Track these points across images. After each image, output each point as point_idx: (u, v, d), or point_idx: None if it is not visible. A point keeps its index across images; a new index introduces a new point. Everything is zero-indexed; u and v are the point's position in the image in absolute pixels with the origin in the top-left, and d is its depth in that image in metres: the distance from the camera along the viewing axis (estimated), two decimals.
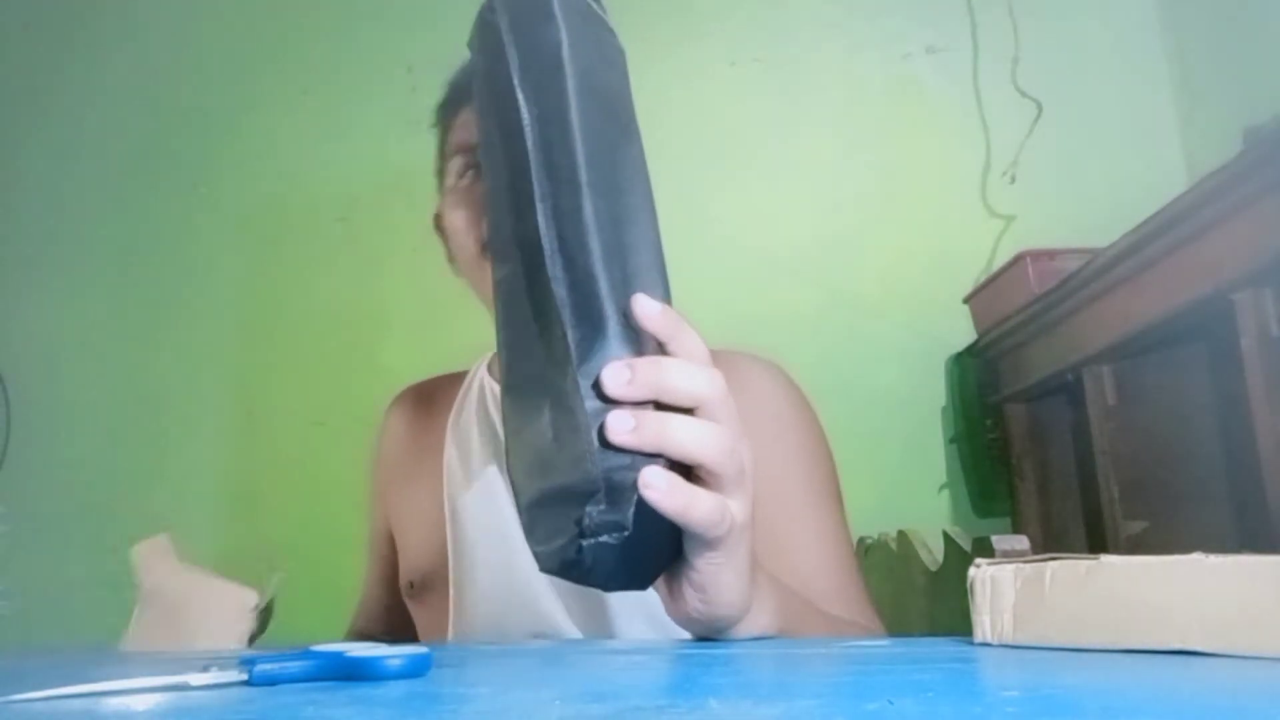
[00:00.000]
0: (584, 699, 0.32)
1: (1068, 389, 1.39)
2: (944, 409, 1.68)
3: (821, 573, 0.71)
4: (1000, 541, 0.76)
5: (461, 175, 0.82)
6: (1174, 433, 1.22)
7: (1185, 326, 1.14)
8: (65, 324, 1.81)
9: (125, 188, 1.85)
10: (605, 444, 0.44)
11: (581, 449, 0.45)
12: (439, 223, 0.91)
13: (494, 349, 0.91)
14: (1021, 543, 0.76)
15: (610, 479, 0.44)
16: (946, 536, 0.89)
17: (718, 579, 0.48)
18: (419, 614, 0.89)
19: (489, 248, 0.53)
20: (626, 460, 0.44)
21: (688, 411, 0.46)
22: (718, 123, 1.74)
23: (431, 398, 0.96)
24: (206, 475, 1.72)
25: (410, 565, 0.89)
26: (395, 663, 0.36)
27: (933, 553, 0.96)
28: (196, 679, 0.35)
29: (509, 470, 0.50)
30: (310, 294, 1.78)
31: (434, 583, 0.85)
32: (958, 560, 0.86)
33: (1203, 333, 1.13)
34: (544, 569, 0.47)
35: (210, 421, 1.75)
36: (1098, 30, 1.75)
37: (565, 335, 0.46)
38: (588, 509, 0.44)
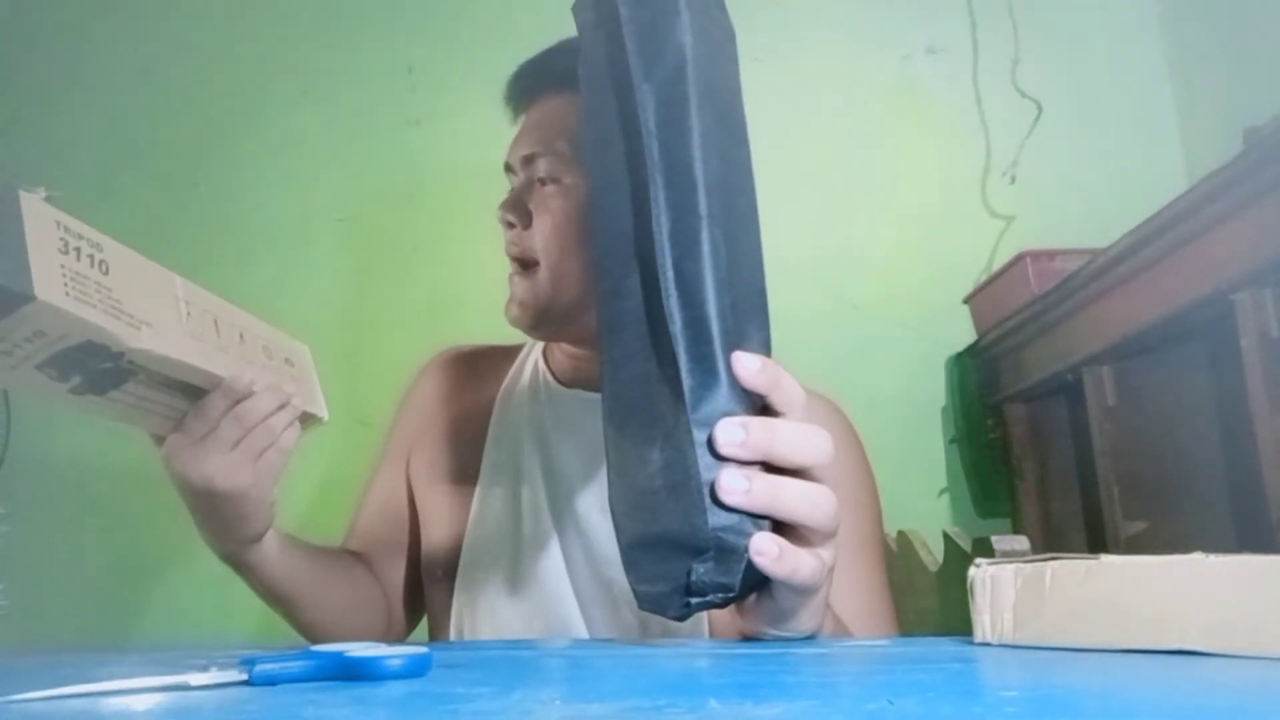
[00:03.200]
0: (584, 699, 0.32)
1: (1068, 389, 1.39)
2: (944, 409, 1.68)
3: (856, 621, 0.72)
4: (1000, 542, 0.76)
5: (508, 192, 0.82)
6: (1174, 433, 1.21)
7: (1185, 326, 1.14)
8: None
9: (125, 187, 1.84)
10: (715, 500, 0.45)
11: (693, 504, 0.46)
12: None
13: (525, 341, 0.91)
14: (1021, 543, 0.76)
15: (721, 540, 0.45)
16: (946, 537, 0.89)
17: (799, 616, 0.50)
18: (438, 599, 0.86)
19: (595, 245, 0.52)
20: (735, 520, 0.46)
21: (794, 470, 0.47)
22: None
23: (475, 367, 0.94)
24: None
25: (441, 550, 0.86)
26: (395, 663, 0.36)
27: (933, 553, 0.96)
28: (196, 679, 0.35)
29: (610, 502, 0.51)
30: (310, 294, 1.78)
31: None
32: (958, 560, 0.86)
33: (1203, 333, 1.13)
34: (643, 608, 0.49)
35: None
36: (1098, 30, 1.75)
37: (680, 379, 0.46)
38: (696, 566, 0.46)
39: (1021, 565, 0.44)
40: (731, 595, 0.47)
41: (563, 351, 0.86)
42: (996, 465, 1.59)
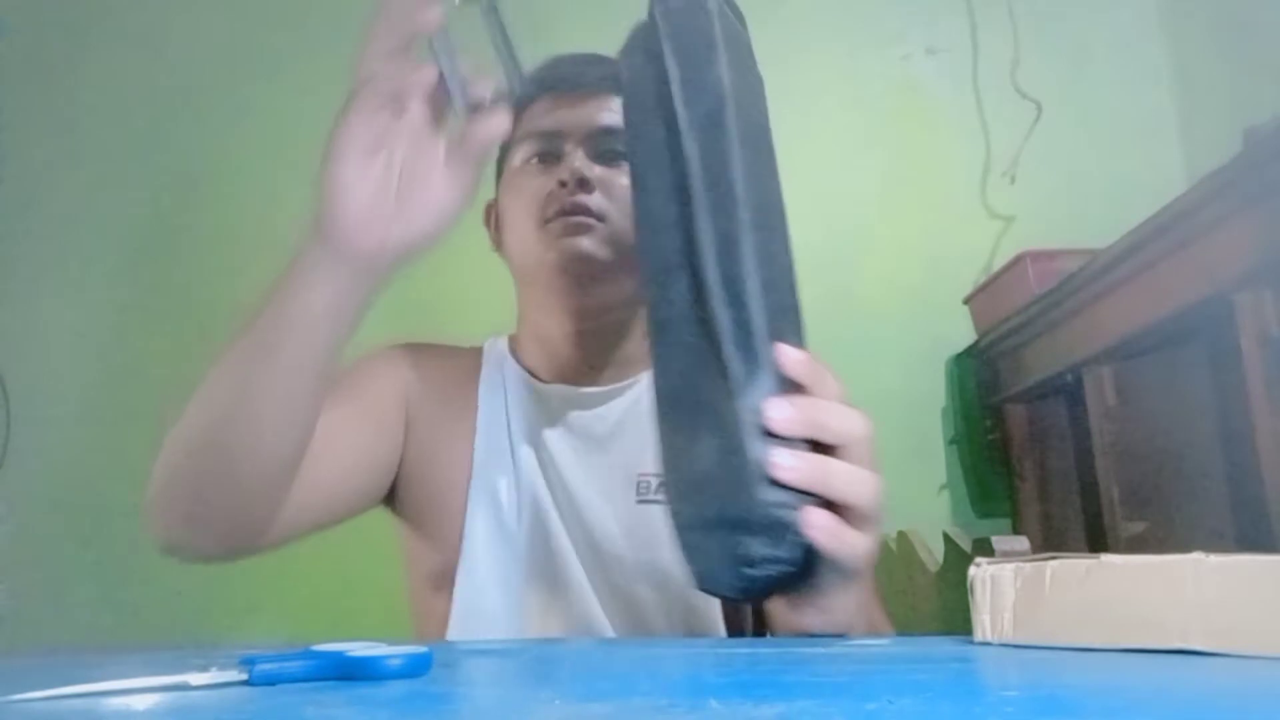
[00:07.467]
0: (584, 699, 0.32)
1: (1068, 389, 1.39)
2: (944, 409, 1.68)
3: None
4: (1000, 542, 0.76)
5: (528, 159, 0.82)
6: (1174, 433, 1.21)
7: (1185, 327, 1.14)
8: (65, 324, 1.81)
9: (126, 187, 1.84)
10: (766, 478, 0.48)
11: (744, 482, 0.48)
12: (490, 212, 0.89)
13: (501, 333, 0.91)
14: (1021, 543, 0.76)
15: (772, 515, 0.48)
16: (946, 537, 0.89)
17: (844, 602, 0.52)
18: (442, 607, 0.81)
19: (644, 258, 0.56)
20: (785, 497, 0.48)
21: (831, 449, 0.50)
22: None
23: (446, 360, 0.88)
24: None
25: (451, 550, 0.80)
26: (395, 663, 0.36)
27: (933, 553, 0.96)
28: (196, 679, 0.35)
29: (665, 489, 0.53)
30: None
31: None
32: (958, 560, 0.86)
33: (1203, 333, 1.13)
34: (702, 588, 0.52)
35: None
36: (1098, 30, 1.75)
37: (728, 367, 0.49)
38: (749, 540, 0.48)
39: (1021, 565, 0.44)
40: (786, 569, 0.48)
41: (541, 349, 0.85)
42: (996, 465, 1.59)
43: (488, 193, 0.90)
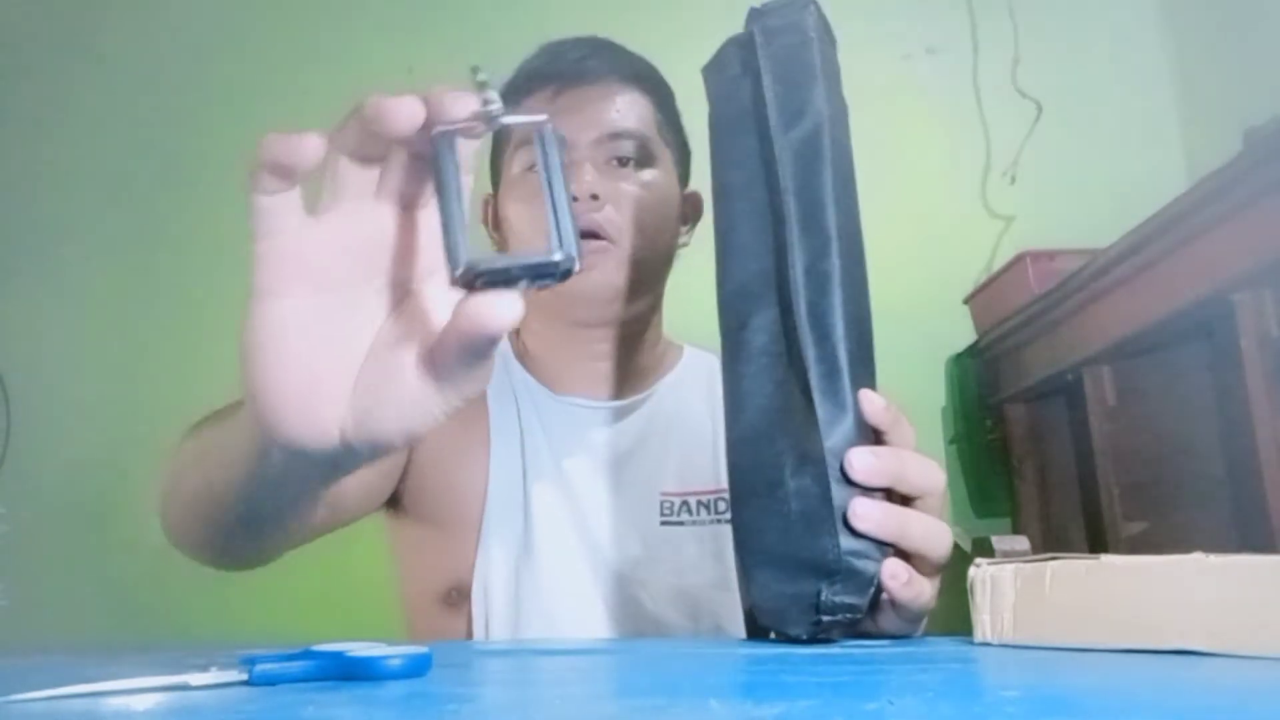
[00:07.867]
0: (584, 699, 0.32)
1: (1068, 389, 1.39)
2: (944, 409, 1.68)
3: None
4: (1000, 542, 0.76)
5: (529, 167, 0.78)
6: (1174, 433, 1.21)
7: (1185, 327, 1.14)
8: (65, 324, 1.81)
9: (125, 187, 1.84)
10: (847, 526, 0.49)
11: (825, 528, 0.49)
12: (487, 211, 0.85)
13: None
14: (1021, 543, 0.76)
15: (850, 564, 0.48)
16: None
17: (898, 633, 0.54)
18: (455, 624, 0.78)
19: (728, 282, 0.56)
20: (864, 546, 0.49)
21: (905, 499, 0.51)
22: None
23: None
24: None
25: (466, 567, 0.77)
26: (395, 663, 0.36)
27: None
28: (196, 679, 0.35)
29: (735, 525, 0.54)
30: None
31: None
32: (958, 560, 0.86)
33: (1203, 333, 1.13)
34: (764, 623, 0.53)
35: None
36: (1098, 30, 1.75)
37: (813, 411, 0.50)
38: (826, 587, 0.48)
39: (1021, 565, 0.44)
40: (859, 616, 0.49)
41: (552, 358, 0.82)
42: (996, 465, 1.59)
43: (485, 190, 0.88)
